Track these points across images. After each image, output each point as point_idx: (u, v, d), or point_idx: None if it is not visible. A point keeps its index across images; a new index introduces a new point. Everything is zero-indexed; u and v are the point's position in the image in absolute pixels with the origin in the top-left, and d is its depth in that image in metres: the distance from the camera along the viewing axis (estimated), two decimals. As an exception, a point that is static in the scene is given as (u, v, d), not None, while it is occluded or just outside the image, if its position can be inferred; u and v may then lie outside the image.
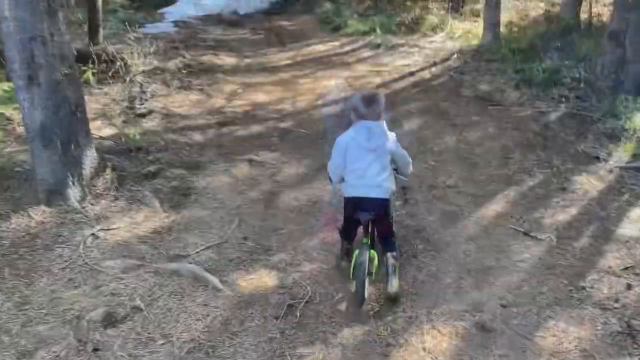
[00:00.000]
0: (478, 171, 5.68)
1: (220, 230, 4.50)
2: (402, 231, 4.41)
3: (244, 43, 12.57)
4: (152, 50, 9.37)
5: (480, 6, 13.57)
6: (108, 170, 4.84)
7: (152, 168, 5.16)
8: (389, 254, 3.63)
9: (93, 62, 7.62)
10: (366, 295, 3.57)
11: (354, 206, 3.56)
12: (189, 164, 5.55)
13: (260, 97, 8.33)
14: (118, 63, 7.69)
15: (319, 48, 12.04)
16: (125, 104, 6.93)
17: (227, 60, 10.50)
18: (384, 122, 3.67)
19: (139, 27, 13.35)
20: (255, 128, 6.91)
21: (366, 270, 3.45)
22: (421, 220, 4.73)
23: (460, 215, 4.84)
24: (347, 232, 3.88)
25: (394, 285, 3.55)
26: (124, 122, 6.41)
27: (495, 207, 4.98)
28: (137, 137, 5.93)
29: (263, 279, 3.90)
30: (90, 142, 4.88)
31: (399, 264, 3.69)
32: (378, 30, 12.72)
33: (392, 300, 3.57)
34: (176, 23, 14.64)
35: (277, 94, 8.53)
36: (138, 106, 6.86)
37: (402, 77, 9.33)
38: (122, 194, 4.77)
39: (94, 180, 4.74)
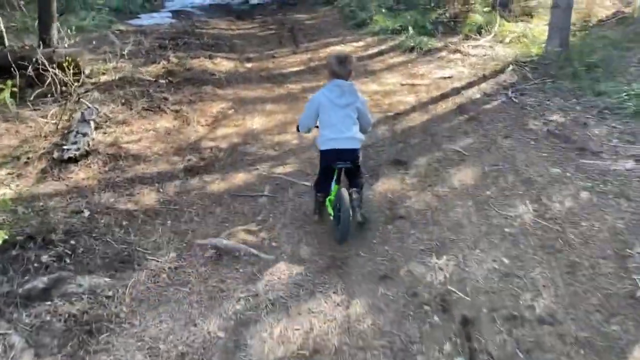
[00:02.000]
0: (582, 283, 3.44)
1: None
2: None
3: (249, 41, 10.37)
4: (126, 51, 7.22)
5: (533, 3, 11.18)
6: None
7: (43, 281, 3.01)
8: (353, 190, 3.91)
9: (28, 74, 5.50)
10: (351, 229, 3.80)
11: (332, 157, 3.86)
12: (115, 261, 3.39)
13: (256, 121, 6.16)
14: (59, 75, 5.51)
15: (338, 49, 9.79)
16: (56, 138, 4.80)
17: (223, 64, 8.32)
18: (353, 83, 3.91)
19: (131, 18, 11.29)
20: (238, 178, 4.76)
21: (349, 208, 3.72)
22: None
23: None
24: (323, 184, 4.07)
25: (360, 215, 3.88)
26: (42, 172, 4.28)
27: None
28: (33, 214, 3.78)
29: None
30: None
31: (361, 196, 3.97)
32: (410, 30, 10.41)
33: (361, 225, 3.97)
34: (175, 14, 12.50)
35: (279, 117, 6.36)
36: (72, 143, 4.71)
37: (444, 96, 7.07)
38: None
39: None
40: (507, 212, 4.24)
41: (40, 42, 6.75)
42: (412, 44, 9.51)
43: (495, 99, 6.86)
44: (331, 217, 3.97)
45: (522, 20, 10.63)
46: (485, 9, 11.42)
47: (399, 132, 5.97)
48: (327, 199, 4.03)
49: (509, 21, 10.50)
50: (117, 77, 6.52)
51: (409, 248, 3.79)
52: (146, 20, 11.47)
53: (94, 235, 3.53)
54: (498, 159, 5.17)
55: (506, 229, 4.00)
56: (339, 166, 3.91)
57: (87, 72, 6.44)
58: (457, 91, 7.24)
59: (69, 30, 8.00)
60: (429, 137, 5.82)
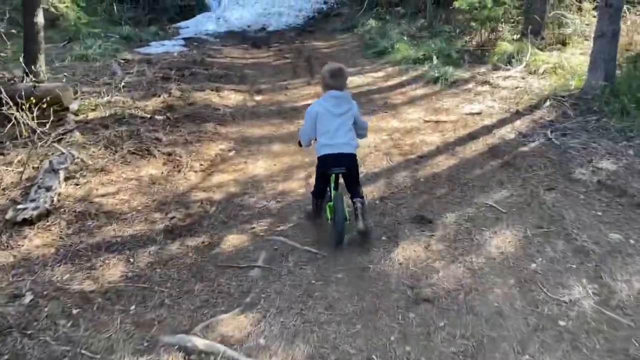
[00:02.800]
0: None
1: None
2: None
3: (262, 71, 9.65)
4: (122, 84, 6.52)
5: (568, 30, 10.28)
6: None
7: None
8: (357, 200, 3.95)
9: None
10: (345, 236, 3.88)
11: (328, 163, 3.92)
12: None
13: (260, 165, 5.36)
14: (25, 115, 4.75)
15: (357, 81, 9.01)
16: (18, 191, 4.03)
17: (230, 98, 7.58)
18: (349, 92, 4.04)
19: (141, 46, 10.70)
20: (229, 242, 3.93)
21: (344, 214, 3.84)
22: None
23: None
24: (320, 190, 4.14)
25: (363, 223, 3.87)
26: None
27: None
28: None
29: None
30: None
31: (365, 207, 4.01)
32: (434, 59, 9.61)
33: (363, 234, 3.94)
34: (187, 41, 11.88)
35: (286, 160, 5.55)
36: (31, 200, 3.93)
37: (473, 136, 6.20)
38: None
39: None
40: (560, 295, 3.32)
41: (24, 75, 6.07)
42: (436, 75, 8.69)
43: (532, 139, 5.95)
44: (329, 222, 4.08)
45: (556, 49, 9.72)
46: (515, 37, 10.57)
47: (422, 180, 5.10)
48: (328, 205, 4.08)
49: (541, 50, 9.62)
50: (107, 114, 5.80)
51: (438, 350, 2.90)
52: (156, 48, 10.87)
53: (29, 332, 2.72)
54: (542, 218, 4.26)
55: (561, 322, 3.08)
56: (334, 171, 3.97)
57: (74, 107, 5.73)
58: (487, 130, 6.36)
59: (68, 59, 7.40)
60: (457, 187, 4.94)
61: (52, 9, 6.03)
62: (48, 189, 4.02)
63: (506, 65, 9.09)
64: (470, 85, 8.27)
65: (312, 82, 9.00)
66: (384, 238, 4.05)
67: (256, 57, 10.93)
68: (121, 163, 4.83)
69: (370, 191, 4.84)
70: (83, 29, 11.07)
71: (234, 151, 5.58)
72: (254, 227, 4.13)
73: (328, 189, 4.10)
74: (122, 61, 9.16)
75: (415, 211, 4.50)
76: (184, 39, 12.27)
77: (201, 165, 5.13)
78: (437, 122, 6.79)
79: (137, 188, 4.50)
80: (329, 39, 13.08)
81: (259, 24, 14.13)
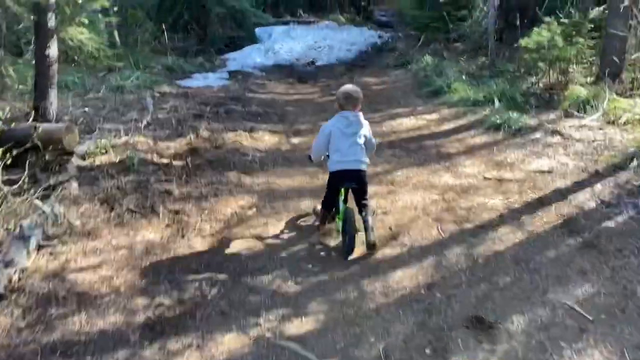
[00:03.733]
0: None
1: None
2: None
3: (304, 108, 8.83)
4: (147, 121, 5.82)
5: (652, 74, 8.99)
6: None
7: None
8: (363, 213, 4.13)
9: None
10: (355, 246, 4.00)
11: (340, 178, 4.12)
12: None
13: (283, 227, 4.45)
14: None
15: (408, 123, 8.05)
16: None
17: (264, 140, 6.77)
18: (360, 112, 4.22)
19: (183, 78, 10.12)
20: (222, 347, 2.99)
21: (354, 226, 3.99)
22: None
23: None
24: (330, 202, 4.31)
25: (373, 236, 4.04)
26: None
27: None
28: None
29: None
30: None
31: (373, 222, 4.20)
32: (496, 102, 8.54)
33: (372, 247, 4.06)
34: (232, 74, 11.26)
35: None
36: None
37: (544, 201, 5.09)
38: None
39: None
40: None
41: (33, 112, 5.44)
42: (498, 121, 7.60)
43: (618, 211, 4.80)
44: (339, 233, 4.20)
45: (638, 95, 8.46)
46: (589, 80, 9.36)
47: (481, 262, 4.05)
48: (338, 217, 4.26)
49: (621, 95, 8.38)
50: (118, 159, 5.06)
51: None
52: (197, 81, 10.28)
53: None
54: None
55: None
56: (346, 186, 4.15)
57: (81, 150, 5.03)
58: (561, 194, 5.24)
59: (103, 90, 6.83)
60: (526, 274, 3.86)
61: (69, 41, 5.45)
62: (8, 264, 3.23)
63: (580, 113, 7.91)
64: (538, 135, 7.14)
65: (357, 124, 8.10)
66: (427, 351, 3.02)
67: (301, 92, 10.15)
68: (116, 224, 4.02)
69: (413, 274, 3.84)
70: (125, 59, 10.62)
71: (254, 209, 4.69)
72: (259, 324, 3.18)
73: (339, 202, 4.26)
74: (158, 94, 8.55)
75: (472, 308, 3.46)
76: (229, 71, 11.67)
77: (212, 227, 4.26)
78: (499, 180, 5.72)
79: (126, 260, 3.66)
80: (380, 74, 12.19)
81: (308, 58, 13.42)
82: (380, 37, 16.97)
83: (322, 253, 4.09)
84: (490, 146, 6.86)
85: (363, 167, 4.18)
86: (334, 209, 4.38)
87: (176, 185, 4.79)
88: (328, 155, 4.24)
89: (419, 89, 10.34)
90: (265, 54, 13.39)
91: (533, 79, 9.98)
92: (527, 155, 6.42)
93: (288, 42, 14.57)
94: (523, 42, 9.39)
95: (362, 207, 4.19)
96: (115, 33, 10.52)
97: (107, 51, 6.27)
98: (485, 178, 5.78)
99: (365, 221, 4.09)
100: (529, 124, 7.53)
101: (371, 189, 5.45)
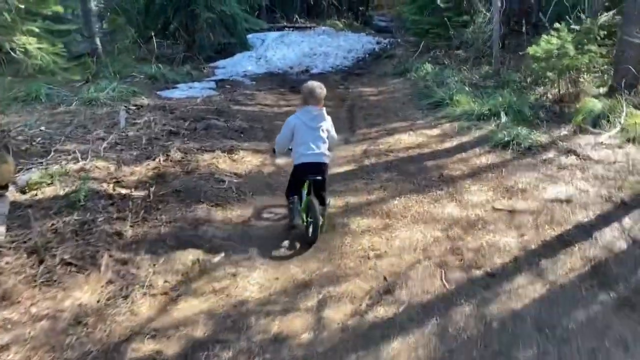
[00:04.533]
0: None
1: None
2: None
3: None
4: (113, 140, 5.04)
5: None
6: None
7: None
8: (322, 208, 4.32)
9: None
10: (318, 234, 4.22)
11: (304, 171, 4.28)
12: None
13: (253, 282, 3.67)
14: None
15: (406, 140, 7.26)
16: None
17: (245, 162, 5.99)
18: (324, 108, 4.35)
19: (166, 88, 9.35)
20: None
21: (317, 215, 4.16)
22: None
23: None
24: (296, 189, 4.43)
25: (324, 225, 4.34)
26: None
27: None
28: None
29: None
30: None
31: (326, 212, 4.44)
32: (503, 115, 7.76)
33: (321, 228, 4.29)
34: (219, 84, 10.48)
35: (294, 271, 3.83)
36: None
37: (564, 240, 4.31)
38: None
39: None
40: None
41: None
42: (505, 138, 6.82)
43: (654, 252, 4.01)
44: (304, 223, 4.31)
45: (657, 109, 7.68)
46: (601, 90, 8.60)
47: (495, 327, 3.26)
48: (302, 209, 4.35)
49: (639, 108, 7.60)
50: (65, 191, 4.26)
51: None
52: (181, 91, 9.49)
53: None
54: None
55: None
56: (310, 179, 4.29)
57: (21, 182, 4.24)
58: (584, 231, 4.45)
59: (75, 103, 6.12)
60: (552, 345, 3.07)
61: (17, 52, 4.69)
62: None
63: (595, 128, 7.14)
64: (550, 155, 6.37)
65: (351, 140, 7.31)
66: None
67: (292, 104, 9.36)
68: (42, 283, 3.21)
69: (412, 347, 3.04)
70: (110, 66, 9.87)
71: (222, 255, 3.89)
72: None
73: (302, 192, 4.37)
74: (133, 108, 7.77)
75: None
76: (217, 80, 10.89)
77: (166, 282, 3.47)
78: (511, 211, 4.93)
79: (46, 335, 2.85)
80: (377, 84, 11.42)
81: (302, 66, 12.64)
82: (378, 43, 16.21)
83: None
84: (498, 168, 6.08)
85: (326, 159, 4.37)
86: (296, 198, 4.48)
87: (130, 225, 3.99)
88: (291, 149, 4.42)
89: (419, 100, 9.56)
90: (256, 62, 12.61)
91: (540, 90, 9.22)
92: (540, 180, 5.64)
93: (282, 49, 13.80)
94: (531, 50, 8.62)
95: (321, 202, 4.37)
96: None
97: (59, 62, 5.49)
98: (494, 209, 4.99)
99: (322, 211, 4.33)
100: (540, 141, 6.76)
101: (364, 223, 4.68)
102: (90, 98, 7.95)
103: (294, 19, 20.05)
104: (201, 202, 4.64)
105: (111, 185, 4.53)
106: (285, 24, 19.38)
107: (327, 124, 4.40)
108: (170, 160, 5.50)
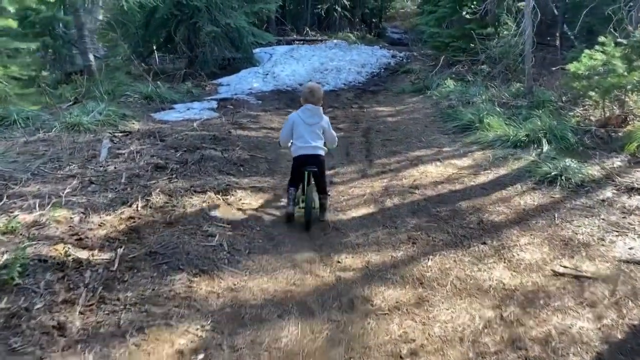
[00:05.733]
0: None
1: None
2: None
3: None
4: (72, 187, 4.01)
5: None
6: None
7: None
8: (321, 196, 4.78)
9: None
10: (311, 222, 4.56)
11: (302, 162, 4.68)
12: None
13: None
14: None
15: (433, 172, 6.18)
16: None
17: (243, 205, 4.94)
18: (321, 107, 4.76)
19: (162, 108, 8.37)
20: None
21: (313, 204, 4.61)
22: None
23: None
24: (296, 181, 4.78)
25: (324, 215, 4.77)
26: None
27: None
28: None
29: None
30: None
31: (327, 201, 4.86)
32: (544, 144, 6.66)
33: (321, 222, 4.72)
34: (222, 103, 9.49)
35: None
36: None
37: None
38: None
39: None
40: None
41: None
42: (552, 172, 5.72)
43: None
44: (300, 209, 4.70)
45: None
46: (653, 112, 7.48)
47: None
48: (302, 198, 4.73)
49: None
50: (6, 256, 3.23)
51: None
52: (177, 113, 8.48)
53: None
54: None
55: None
56: (307, 169, 4.67)
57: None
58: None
59: (56, 128, 5.20)
60: None
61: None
62: None
63: (655, 159, 6.03)
64: (608, 193, 5.28)
65: (368, 173, 6.24)
66: None
67: (301, 127, 8.31)
68: None
69: None
70: (102, 85, 8.91)
71: (201, 355, 2.82)
72: None
73: (302, 183, 4.75)
74: (120, 134, 6.76)
75: None
76: (219, 99, 9.88)
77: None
78: (576, 277, 3.83)
79: None
80: (395, 102, 10.36)
81: (313, 82, 11.61)
82: (393, 56, 15.19)
83: None
84: (548, 211, 4.98)
85: (321, 152, 4.73)
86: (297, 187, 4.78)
87: (80, 311, 2.94)
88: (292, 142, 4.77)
89: (444, 122, 8.49)
90: (263, 78, 11.60)
91: (580, 111, 8.12)
92: (604, 229, 4.54)
93: (291, 64, 12.79)
94: (572, 66, 7.54)
95: (320, 191, 4.77)
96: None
97: (14, 88, 4.50)
98: (555, 273, 3.89)
99: (321, 204, 4.76)
100: (592, 175, 5.69)
101: (392, 296, 3.59)
102: (73, 123, 6.96)
103: (305, 31, 19.09)
104: (181, 270, 3.57)
105: (66, 248, 3.48)
106: (295, 36, 18.43)
107: (324, 122, 4.77)
108: (150, 207, 4.45)
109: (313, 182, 4.71)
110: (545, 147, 6.57)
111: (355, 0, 21.32)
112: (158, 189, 4.80)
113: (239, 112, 8.86)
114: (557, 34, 12.32)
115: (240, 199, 4.99)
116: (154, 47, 13.05)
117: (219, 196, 4.91)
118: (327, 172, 5.82)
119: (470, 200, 5.36)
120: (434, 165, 6.46)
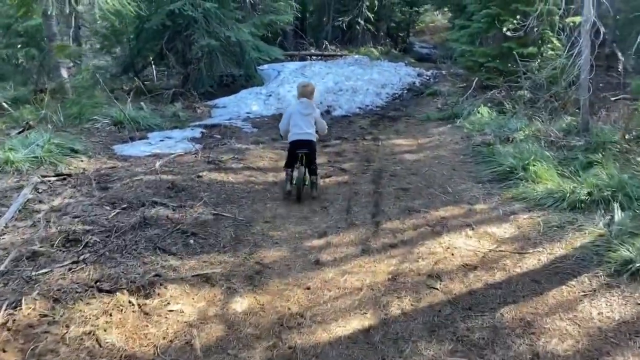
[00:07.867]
0: None
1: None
2: None
3: (289, 207, 5.30)
4: None
5: None
6: None
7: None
8: (312, 176, 5.52)
9: None
10: (302, 194, 5.37)
11: (296, 146, 5.40)
12: None
13: None
14: None
15: (462, 248, 4.40)
16: None
17: (168, 313, 3.23)
18: (313, 100, 5.63)
19: (131, 138, 6.78)
20: None
21: (302, 180, 5.34)
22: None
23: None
24: (291, 163, 5.48)
25: (315, 192, 5.51)
26: None
27: None
28: None
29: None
30: None
31: (317, 180, 5.56)
32: (616, 208, 4.80)
33: (314, 198, 5.45)
34: (208, 131, 7.88)
35: None
36: None
37: None
38: None
39: None
40: None
41: None
42: (634, 257, 3.88)
43: None
44: (294, 185, 5.38)
45: None
46: None
47: None
48: (293, 177, 5.44)
49: None
50: None
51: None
52: (147, 145, 6.86)
53: None
54: None
55: None
56: (299, 152, 5.35)
57: None
58: None
59: None
60: None
61: None
62: None
63: None
64: None
65: (372, 246, 4.48)
66: None
67: (297, 167, 6.61)
68: None
69: None
70: (63, 108, 7.40)
71: None
72: None
73: (296, 165, 5.41)
74: (54, 179, 5.17)
75: None
76: (208, 125, 8.25)
77: None
78: None
79: None
80: (417, 133, 8.59)
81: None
82: (419, 75, 13.43)
83: None
84: (635, 331, 3.14)
85: (312, 138, 5.47)
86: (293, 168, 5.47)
87: None
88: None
89: (476, 164, 6.71)
90: (265, 100, 9.94)
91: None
92: None
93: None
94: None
95: (310, 172, 5.50)
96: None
97: None
98: None
99: (311, 181, 5.52)
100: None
101: None
102: (1, 159, 5.40)
103: (324, 45, 17.46)
104: None
105: None
106: (312, 51, 16.80)
107: (316, 113, 5.59)
108: (12, 329, 2.78)
109: (303, 166, 5.35)
110: (618, 214, 4.71)
111: (381, 13, 19.65)
112: (44, 287, 3.14)
113: (225, 144, 7.21)
114: (619, 56, 10.37)
115: (167, 303, 3.28)
116: (151, 61, 11.58)
117: (133, 299, 3.22)
118: (316, 241, 4.05)
119: (517, 305, 3.57)
120: (464, 234, 4.68)
